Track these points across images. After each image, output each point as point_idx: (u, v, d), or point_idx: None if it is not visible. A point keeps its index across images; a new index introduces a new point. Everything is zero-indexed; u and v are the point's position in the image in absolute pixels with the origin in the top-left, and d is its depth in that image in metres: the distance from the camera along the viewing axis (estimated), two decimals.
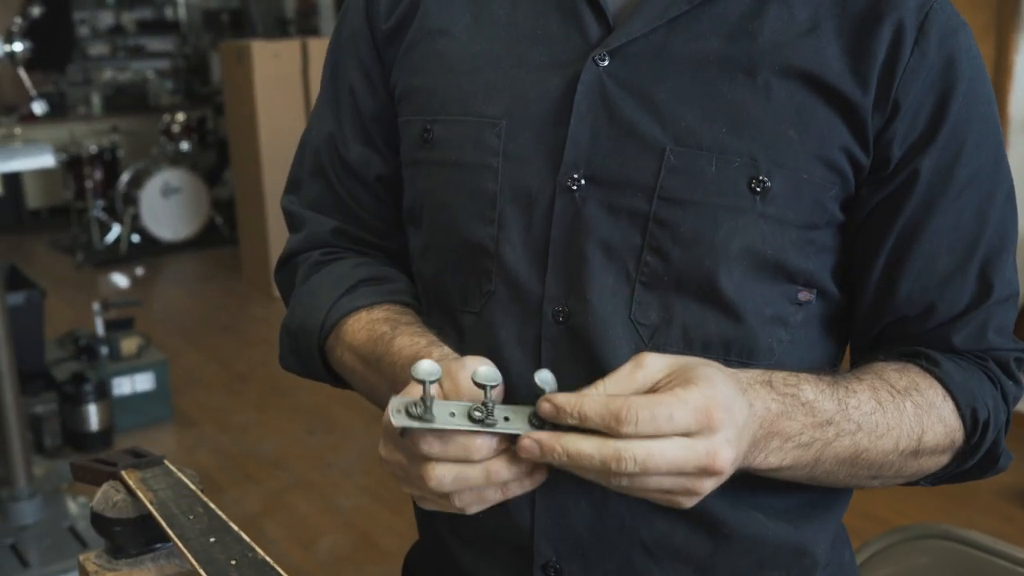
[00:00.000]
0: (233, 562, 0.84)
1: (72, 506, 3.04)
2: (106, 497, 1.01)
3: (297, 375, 1.01)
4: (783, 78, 0.79)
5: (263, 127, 5.19)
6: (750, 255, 0.79)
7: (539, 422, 0.68)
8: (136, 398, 3.76)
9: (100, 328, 3.83)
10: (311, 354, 0.95)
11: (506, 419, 0.68)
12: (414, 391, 0.69)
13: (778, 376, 0.75)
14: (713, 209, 0.78)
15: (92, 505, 1.01)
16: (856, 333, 0.90)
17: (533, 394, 0.83)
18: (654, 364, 0.68)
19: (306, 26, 7.13)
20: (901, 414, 0.80)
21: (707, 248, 0.79)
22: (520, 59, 0.85)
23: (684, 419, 0.65)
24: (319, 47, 5.30)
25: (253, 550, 0.87)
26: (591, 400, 0.66)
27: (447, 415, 0.66)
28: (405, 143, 0.92)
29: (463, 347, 0.87)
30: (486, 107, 0.85)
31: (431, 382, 0.66)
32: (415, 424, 0.65)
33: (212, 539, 0.88)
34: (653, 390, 0.67)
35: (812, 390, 0.76)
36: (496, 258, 0.84)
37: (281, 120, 5.22)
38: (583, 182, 0.81)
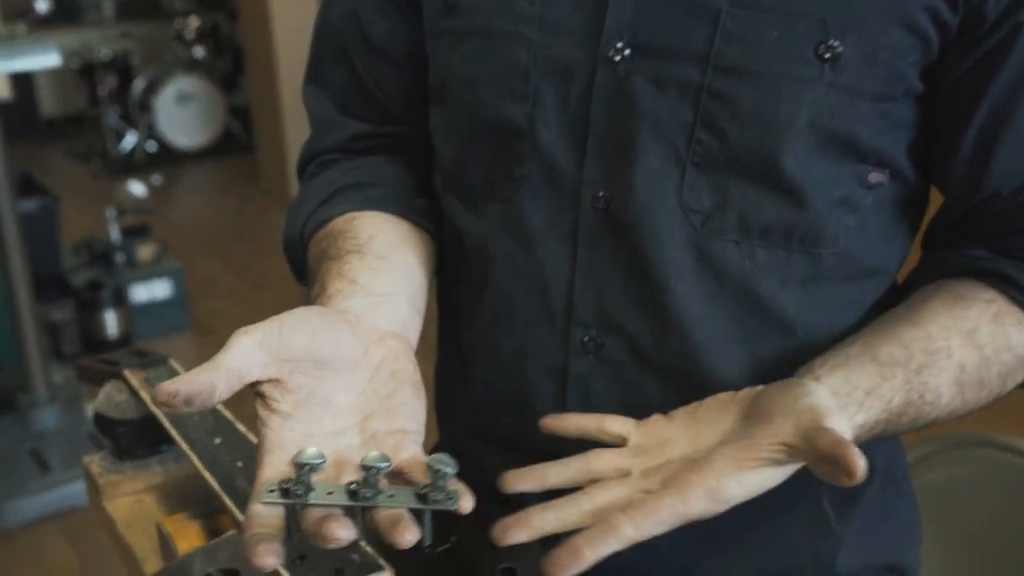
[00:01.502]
0: (239, 463, 0.78)
1: (91, 412, 3.04)
2: (109, 397, 0.96)
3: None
4: None
5: (278, 33, 5.07)
6: (817, 131, 0.70)
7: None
8: (153, 306, 3.73)
9: (115, 235, 3.78)
10: (305, 268, 0.88)
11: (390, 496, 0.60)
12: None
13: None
14: (775, 79, 0.69)
15: (95, 406, 0.96)
16: (936, 220, 0.81)
17: (565, 290, 0.76)
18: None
19: None
20: (980, 389, 0.74)
21: (768, 123, 0.70)
22: None
23: None
24: None
25: None
26: None
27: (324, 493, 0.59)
28: (427, 11, 0.83)
29: (489, 238, 0.80)
30: None
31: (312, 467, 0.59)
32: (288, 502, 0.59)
33: (218, 440, 0.83)
34: None
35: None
36: (529, 139, 0.76)
37: (296, 25, 5.08)
38: (627, 52, 0.72)
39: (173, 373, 0.98)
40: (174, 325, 3.76)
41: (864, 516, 0.84)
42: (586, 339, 0.77)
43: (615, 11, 0.72)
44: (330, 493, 0.60)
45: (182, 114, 6.38)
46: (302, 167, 0.95)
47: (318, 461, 0.59)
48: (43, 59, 2.90)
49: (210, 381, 0.58)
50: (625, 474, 0.66)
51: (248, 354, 0.60)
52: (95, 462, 0.96)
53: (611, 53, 0.72)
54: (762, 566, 0.65)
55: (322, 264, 0.78)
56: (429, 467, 0.60)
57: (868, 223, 0.76)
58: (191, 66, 6.52)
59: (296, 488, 0.58)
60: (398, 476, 0.62)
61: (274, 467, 0.61)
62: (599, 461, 0.67)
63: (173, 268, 3.79)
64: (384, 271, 0.76)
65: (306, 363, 0.63)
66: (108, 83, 6.39)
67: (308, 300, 0.77)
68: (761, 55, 0.69)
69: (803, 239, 0.74)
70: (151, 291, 3.73)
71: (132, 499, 0.92)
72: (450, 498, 0.60)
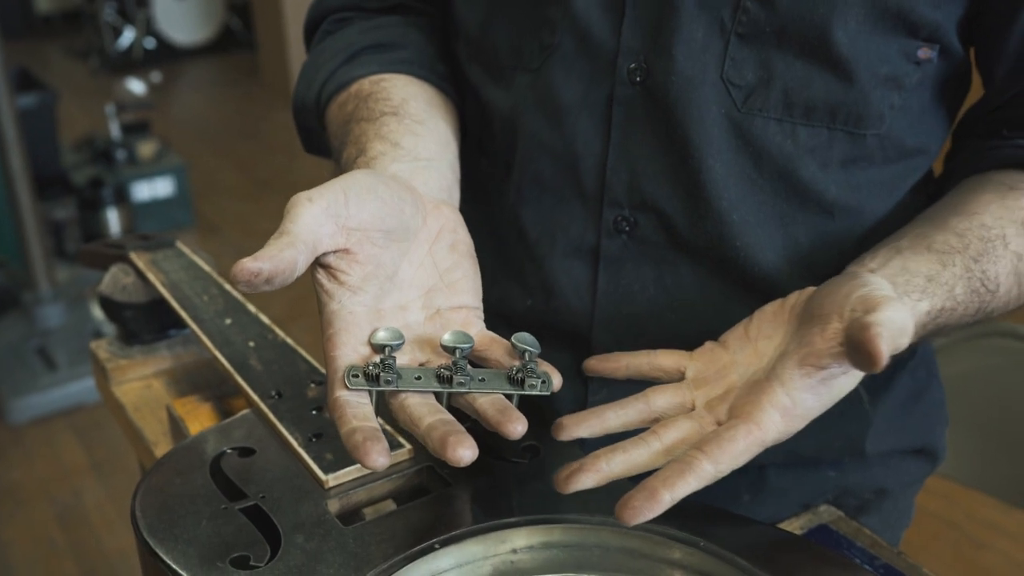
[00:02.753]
0: (251, 344, 0.75)
1: (96, 311, 3.01)
2: (114, 280, 0.93)
3: (322, 157, 0.90)
4: None
5: None
6: (871, 2, 0.66)
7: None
8: (157, 204, 3.69)
9: (116, 132, 3.72)
10: (316, 134, 0.84)
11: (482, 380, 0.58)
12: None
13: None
14: None
15: (100, 289, 0.93)
16: (975, 108, 0.77)
17: (598, 167, 0.72)
18: None
19: None
20: None
21: None
22: None
23: None
24: None
25: (272, 331, 0.79)
26: None
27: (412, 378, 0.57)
28: None
29: (518, 110, 0.76)
30: None
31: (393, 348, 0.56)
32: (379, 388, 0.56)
33: (228, 320, 0.80)
34: None
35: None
36: (563, 3, 0.71)
37: None
38: None
39: (180, 255, 0.95)
40: (177, 223, 3.72)
41: (895, 397, 0.82)
42: (619, 218, 0.74)
43: None
44: (418, 378, 0.57)
45: (180, 9, 6.23)
46: (312, 27, 0.89)
47: (398, 342, 0.56)
48: None
49: (292, 257, 0.54)
50: (690, 408, 0.63)
51: (317, 222, 0.56)
52: (102, 347, 0.93)
53: None
54: (792, 448, 0.62)
55: (354, 125, 0.73)
56: (514, 347, 0.58)
57: (912, 102, 0.71)
58: None
59: (385, 374, 0.55)
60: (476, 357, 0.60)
61: (350, 347, 0.57)
62: (660, 399, 0.63)
63: (175, 165, 3.74)
64: (424, 136, 0.71)
65: (375, 232, 0.59)
66: None
67: (338, 168, 0.73)
68: None
69: (848, 118, 0.70)
70: (153, 189, 3.68)
71: (141, 384, 0.90)
72: (544, 381, 0.58)
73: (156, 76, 5.99)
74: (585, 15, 0.71)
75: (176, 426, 0.79)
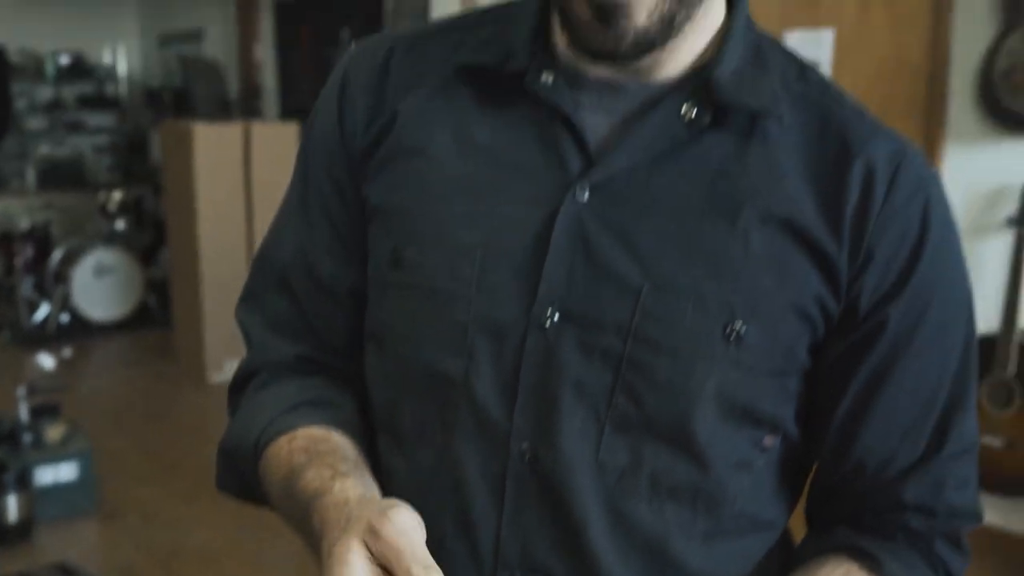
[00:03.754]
0: None
1: None
2: None
3: (234, 497, 0.97)
4: (762, 225, 0.78)
5: (202, 210, 5.13)
6: (723, 401, 0.78)
7: None
8: (59, 488, 3.63)
9: (24, 414, 3.71)
10: (245, 476, 0.91)
11: None
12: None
13: None
14: (687, 354, 0.77)
15: None
16: (813, 481, 0.89)
17: (492, 534, 0.80)
18: None
19: (249, 108, 7.11)
20: None
21: (680, 392, 0.78)
22: (499, 188, 0.82)
23: None
24: (261, 132, 5.30)
25: None
26: None
27: None
28: (374, 260, 0.88)
29: (421, 480, 0.85)
30: (462, 235, 0.82)
31: None
32: None
33: None
34: None
35: None
36: (464, 390, 0.82)
37: (221, 204, 5.18)
38: (557, 319, 0.79)
39: None
40: (79, 509, 3.65)
41: None
42: None
43: (548, 281, 0.79)
44: None
45: (99, 286, 6.34)
46: (241, 382, 0.97)
47: None
48: None
49: None
50: None
51: None
52: None
53: (542, 318, 0.79)
54: None
55: (315, 469, 0.80)
56: None
57: (759, 483, 0.84)
58: (112, 238, 6.53)
59: None
60: None
61: None
62: None
63: (82, 449, 3.70)
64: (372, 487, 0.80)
65: None
66: (25, 253, 6.36)
67: (290, 508, 0.81)
68: (676, 332, 0.77)
69: (708, 501, 0.81)
70: (57, 473, 3.63)
71: None
72: None
73: (67, 352, 6.01)
74: (484, 400, 0.81)
75: None
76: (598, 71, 0.81)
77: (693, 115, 0.79)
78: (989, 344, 3.08)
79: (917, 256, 0.79)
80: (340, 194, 0.90)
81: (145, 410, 4.97)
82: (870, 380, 0.81)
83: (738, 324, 0.77)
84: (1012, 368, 3.03)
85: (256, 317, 0.96)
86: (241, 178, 5.25)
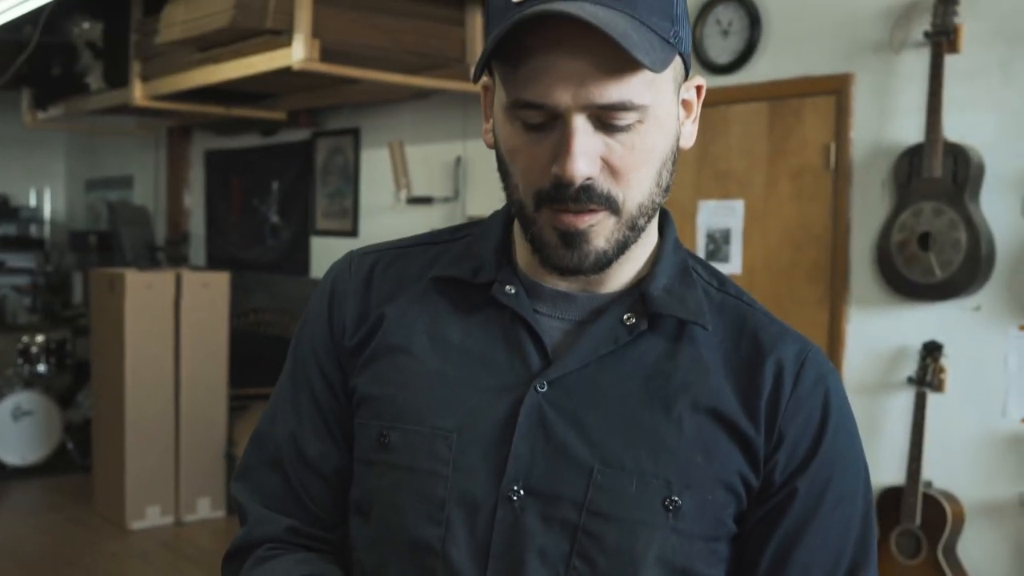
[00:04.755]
0: None
1: None
2: None
3: None
4: (693, 412, 0.94)
5: (131, 356, 5.15)
6: (664, 563, 0.92)
7: None
8: None
9: None
10: None
11: None
12: None
13: None
14: (633, 523, 0.92)
15: None
16: None
17: None
18: None
19: (175, 254, 7.20)
20: None
21: (627, 557, 0.91)
22: (471, 380, 0.97)
23: None
24: (191, 279, 5.40)
25: None
26: None
27: None
28: (361, 443, 1.02)
29: None
30: (440, 420, 0.96)
31: None
32: None
33: None
34: None
35: None
36: (442, 557, 0.94)
37: (149, 348, 5.21)
38: (522, 493, 0.93)
39: None
40: None
41: None
42: None
43: (514, 461, 0.94)
44: None
45: (16, 429, 6.21)
46: (237, 553, 1.08)
47: None
48: None
49: None
50: None
51: None
52: None
53: (510, 493, 0.93)
54: None
55: None
56: None
57: None
58: (32, 381, 6.43)
59: None
60: None
61: None
62: None
63: None
64: None
65: None
66: None
67: None
68: (623, 504, 0.92)
69: None
70: None
71: None
72: None
73: None
74: (459, 566, 0.93)
75: None
76: (553, 283, 0.99)
77: (632, 322, 0.97)
78: (896, 495, 3.27)
79: (820, 437, 0.96)
80: (329, 386, 1.05)
81: (61, 558, 4.84)
82: (784, 541, 0.96)
83: (675, 497, 0.93)
84: (918, 518, 3.21)
85: (251, 493, 1.08)
86: (171, 325, 5.30)
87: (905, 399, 3.39)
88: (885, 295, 3.48)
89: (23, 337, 6.62)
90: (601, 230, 0.92)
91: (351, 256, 1.09)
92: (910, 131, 3.39)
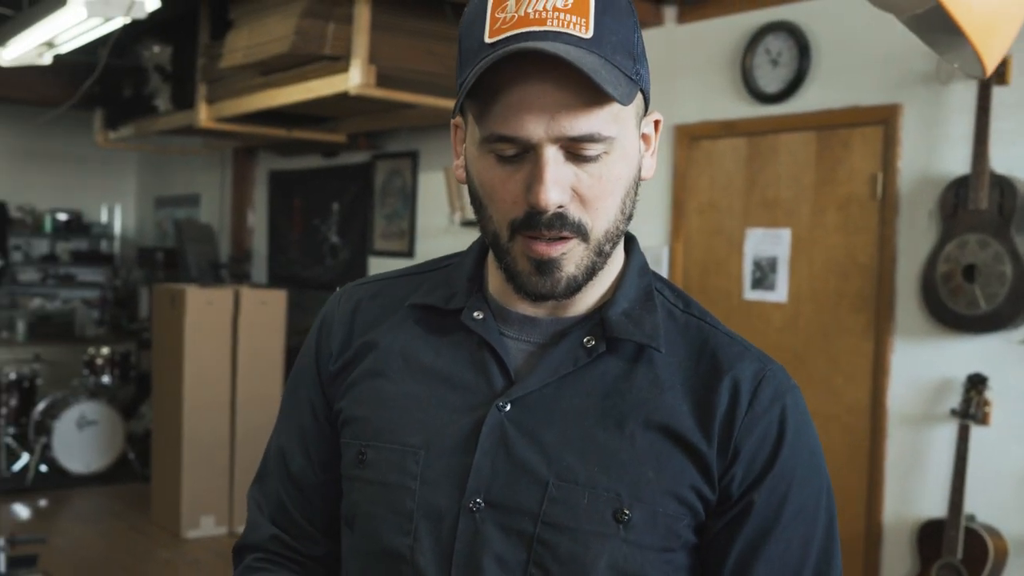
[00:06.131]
0: None
1: None
2: None
3: None
4: (645, 429, 1.00)
5: (189, 369, 5.31)
6: (616, 571, 0.97)
7: None
8: None
9: (2, 565, 3.78)
10: None
11: None
12: None
13: None
14: (585, 534, 0.97)
15: None
16: None
17: None
18: None
19: (239, 271, 7.37)
20: None
21: (580, 566, 0.97)
22: (441, 400, 1.04)
23: None
24: (249, 296, 5.55)
25: None
26: None
27: None
28: (344, 460, 1.10)
29: None
30: (410, 438, 1.03)
31: None
32: None
33: None
34: None
35: None
36: (411, 564, 1.01)
37: (207, 364, 5.35)
38: (482, 505, 0.99)
39: None
40: None
41: None
42: None
43: (475, 476, 1.00)
44: None
45: (81, 438, 6.42)
46: (237, 552, 1.18)
47: None
48: None
49: None
50: None
51: None
52: None
53: (471, 505, 0.99)
54: None
55: None
56: None
57: None
58: (96, 392, 6.64)
59: None
60: None
61: None
62: None
63: None
64: None
65: None
66: (9, 403, 6.46)
67: None
68: (575, 516, 0.98)
69: None
70: None
71: None
72: None
73: (43, 502, 6.05)
74: (425, 570, 1.00)
75: None
76: (522, 308, 1.05)
77: (592, 345, 1.02)
78: (937, 528, 3.25)
79: (777, 451, 1.00)
80: (312, 411, 1.15)
81: (119, 564, 4.99)
82: (744, 553, 1.00)
83: (625, 509, 0.98)
84: (960, 552, 3.18)
85: (256, 497, 1.19)
86: (229, 341, 5.45)
87: (949, 431, 3.36)
88: (930, 326, 3.47)
89: (89, 349, 6.83)
90: (572, 257, 0.98)
91: (345, 288, 1.18)
92: (957, 162, 3.38)
